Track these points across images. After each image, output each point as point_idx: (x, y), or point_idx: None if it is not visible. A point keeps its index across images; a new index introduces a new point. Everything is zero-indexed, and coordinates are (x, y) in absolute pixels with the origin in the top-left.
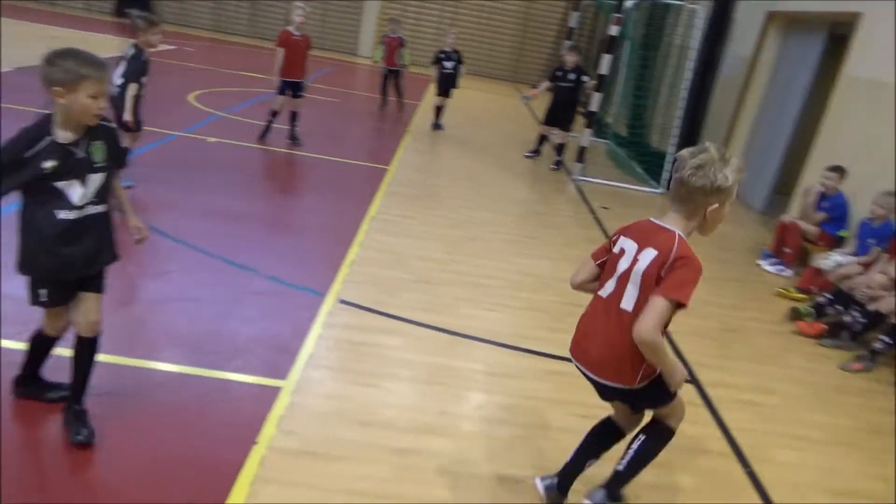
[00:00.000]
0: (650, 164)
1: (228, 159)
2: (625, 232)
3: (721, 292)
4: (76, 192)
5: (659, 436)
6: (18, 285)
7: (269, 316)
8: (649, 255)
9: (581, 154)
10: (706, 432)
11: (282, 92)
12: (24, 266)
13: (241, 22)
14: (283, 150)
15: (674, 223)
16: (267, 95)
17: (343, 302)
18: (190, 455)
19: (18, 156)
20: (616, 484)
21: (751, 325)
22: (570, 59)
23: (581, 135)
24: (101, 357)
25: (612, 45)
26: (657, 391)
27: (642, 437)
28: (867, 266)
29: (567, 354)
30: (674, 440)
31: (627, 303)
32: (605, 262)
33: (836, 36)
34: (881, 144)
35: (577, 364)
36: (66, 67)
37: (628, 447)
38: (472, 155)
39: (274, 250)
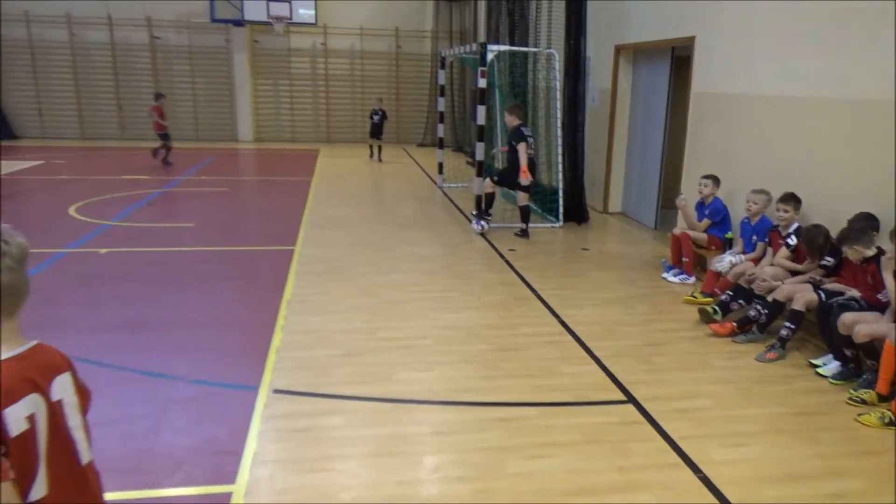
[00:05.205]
0: (544, 200)
1: (125, 267)
2: None
3: (634, 310)
4: None
5: None
6: None
7: (202, 421)
8: None
9: (478, 203)
10: (654, 446)
11: None
12: None
13: (109, 125)
14: (179, 248)
15: None
16: (149, 197)
17: (277, 391)
18: None
19: None
20: None
21: (668, 336)
22: (510, 118)
23: (472, 184)
24: None
25: (482, 96)
26: None
27: None
28: (756, 261)
29: (510, 399)
30: (629, 461)
31: None
32: None
33: (681, 57)
34: (737, 150)
35: None
36: None
37: None
38: (373, 219)
39: (193, 352)
